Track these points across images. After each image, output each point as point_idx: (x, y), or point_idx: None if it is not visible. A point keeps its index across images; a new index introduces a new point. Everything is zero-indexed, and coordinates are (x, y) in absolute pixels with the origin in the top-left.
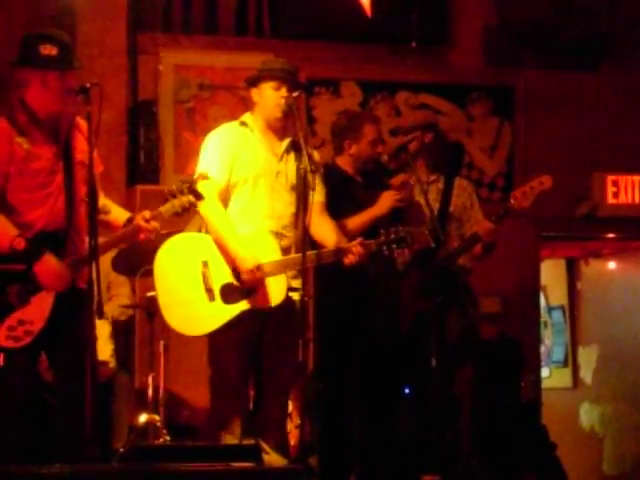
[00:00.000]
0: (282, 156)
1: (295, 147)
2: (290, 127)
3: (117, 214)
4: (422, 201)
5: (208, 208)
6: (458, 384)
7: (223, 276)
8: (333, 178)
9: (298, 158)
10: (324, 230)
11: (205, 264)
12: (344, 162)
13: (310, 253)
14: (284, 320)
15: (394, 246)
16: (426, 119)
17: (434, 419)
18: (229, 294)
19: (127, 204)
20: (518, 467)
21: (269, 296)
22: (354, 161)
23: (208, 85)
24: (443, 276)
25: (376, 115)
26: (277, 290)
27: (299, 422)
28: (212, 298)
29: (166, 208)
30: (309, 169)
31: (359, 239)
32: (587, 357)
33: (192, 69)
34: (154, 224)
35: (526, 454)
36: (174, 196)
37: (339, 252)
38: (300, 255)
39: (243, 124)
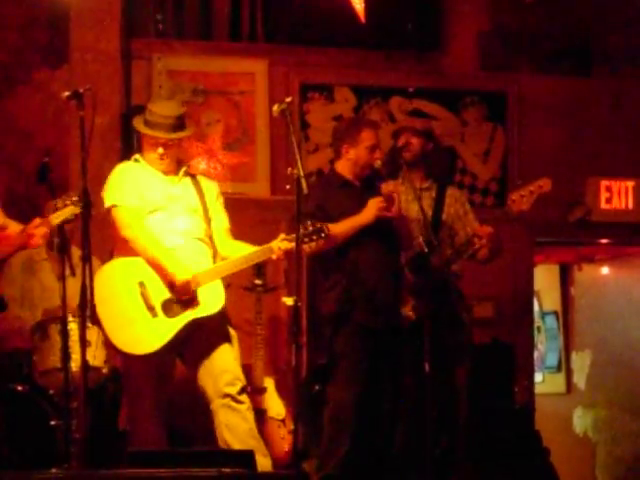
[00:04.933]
0: (179, 182)
1: (192, 176)
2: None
3: (13, 229)
4: (416, 207)
5: (134, 232)
6: (452, 389)
7: (161, 292)
8: (331, 183)
9: (195, 184)
10: (239, 247)
11: (142, 284)
12: (342, 167)
13: (239, 257)
14: (213, 327)
15: (314, 237)
16: (425, 126)
17: (428, 424)
18: (171, 308)
19: None
20: (511, 472)
21: (209, 303)
22: (352, 166)
23: (202, 90)
24: (436, 281)
25: (376, 121)
26: (215, 296)
27: (292, 427)
28: (155, 315)
29: (55, 215)
30: (302, 174)
31: (282, 235)
32: (580, 362)
33: (185, 74)
34: (43, 229)
35: (519, 459)
36: (64, 205)
37: (267, 250)
38: (228, 261)
39: (136, 161)
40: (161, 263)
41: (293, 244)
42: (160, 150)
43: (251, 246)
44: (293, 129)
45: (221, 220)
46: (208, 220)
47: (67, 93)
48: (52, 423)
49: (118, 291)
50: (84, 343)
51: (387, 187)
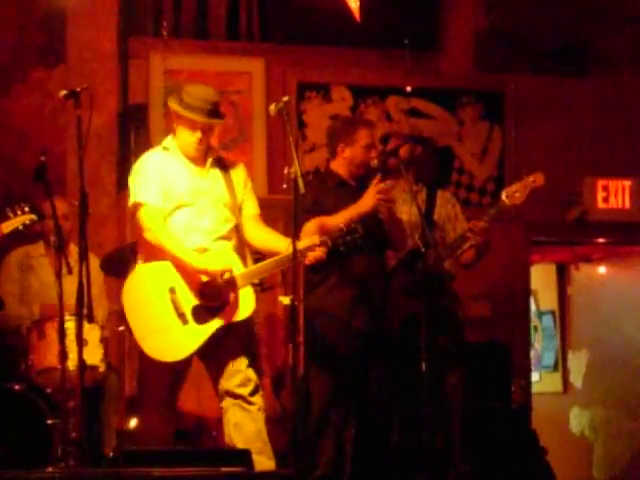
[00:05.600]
0: (207, 173)
1: (219, 163)
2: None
3: None
4: (407, 209)
5: (155, 235)
6: (448, 389)
7: (192, 299)
8: (327, 182)
9: (224, 172)
10: (269, 238)
11: (172, 290)
12: (338, 166)
13: (270, 261)
14: (240, 336)
15: (348, 238)
16: (414, 130)
17: (424, 424)
18: (201, 314)
19: (118, 209)
20: (508, 472)
21: (239, 309)
22: (348, 165)
23: None
24: (430, 279)
25: (371, 120)
26: (245, 302)
27: (290, 425)
28: (185, 321)
29: (7, 224)
30: (299, 174)
31: (315, 237)
32: (577, 362)
33: (182, 73)
34: None
35: (516, 459)
36: (15, 214)
37: (304, 252)
38: (261, 264)
39: (165, 149)
40: (190, 261)
41: (328, 245)
42: (199, 134)
43: (280, 236)
44: (290, 128)
45: (250, 207)
46: (238, 210)
47: (64, 92)
48: (49, 422)
49: (148, 297)
50: (81, 342)
51: (379, 184)
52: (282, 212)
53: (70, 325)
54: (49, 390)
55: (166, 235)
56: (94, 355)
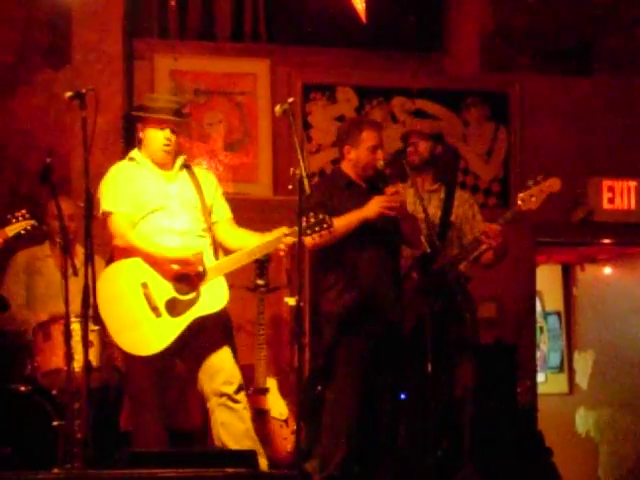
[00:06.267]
0: (175, 178)
1: (187, 168)
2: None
3: None
4: (419, 208)
5: (127, 239)
6: (455, 390)
7: (165, 292)
8: (337, 182)
9: (192, 176)
10: (245, 237)
11: (145, 285)
12: (346, 167)
13: (242, 252)
14: (213, 325)
15: (316, 229)
16: (434, 129)
17: (431, 425)
18: (175, 307)
19: None
20: (514, 473)
21: (213, 301)
22: (354, 167)
23: (204, 91)
24: (442, 281)
25: (379, 122)
26: (219, 293)
27: (295, 428)
28: (159, 315)
29: (10, 228)
30: (304, 174)
31: (284, 227)
32: (583, 362)
33: (188, 75)
34: None
35: (522, 460)
36: (17, 219)
37: (273, 243)
38: (232, 257)
39: (131, 159)
40: (162, 252)
41: (296, 238)
42: (167, 133)
43: (255, 234)
44: (295, 129)
45: (223, 210)
46: (207, 213)
47: (69, 93)
48: (54, 423)
49: (121, 293)
50: (87, 344)
51: (391, 189)
52: (287, 213)
53: (76, 327)
54: (55, 391)
55: (136, 235)
56: (99, 356)
